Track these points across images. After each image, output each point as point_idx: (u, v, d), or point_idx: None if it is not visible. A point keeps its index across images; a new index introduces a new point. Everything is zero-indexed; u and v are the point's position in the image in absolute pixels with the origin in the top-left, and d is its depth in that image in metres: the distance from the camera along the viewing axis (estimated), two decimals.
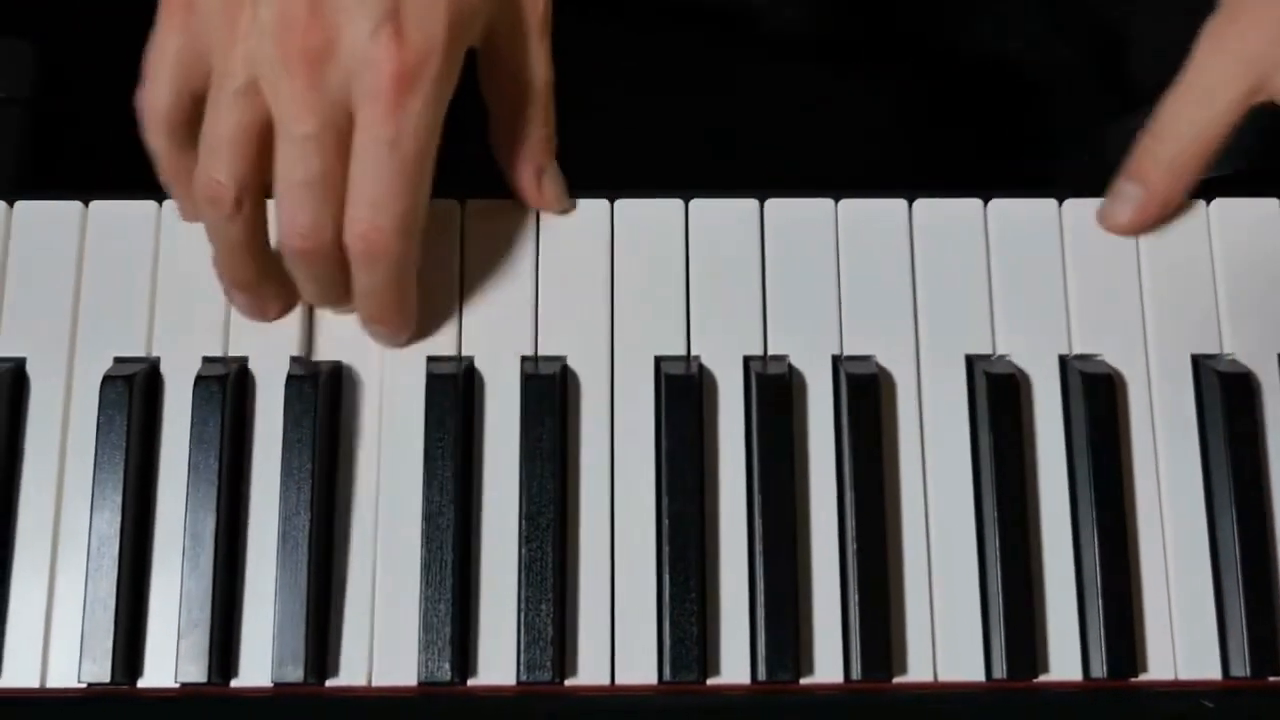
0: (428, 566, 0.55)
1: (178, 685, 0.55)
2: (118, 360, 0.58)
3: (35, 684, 0.56)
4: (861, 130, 0.79)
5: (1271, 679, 0.56)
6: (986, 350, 0.59)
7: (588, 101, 0.63)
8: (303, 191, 0.52)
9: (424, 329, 0.58)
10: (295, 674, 0.54)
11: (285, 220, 0.53)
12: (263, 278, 0.56)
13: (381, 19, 0.51)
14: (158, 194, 0.60)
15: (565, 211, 0.60)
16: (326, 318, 0.59)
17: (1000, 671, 0.55)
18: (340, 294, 0.56)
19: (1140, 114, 0.76)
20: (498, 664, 0.56)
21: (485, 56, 0.56)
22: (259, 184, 0.54)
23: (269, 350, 0.58)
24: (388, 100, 0.51)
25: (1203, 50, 0.58)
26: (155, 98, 0.55)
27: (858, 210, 0.60)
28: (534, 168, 0.58)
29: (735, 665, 0.56)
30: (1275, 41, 0.56)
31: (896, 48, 0.82)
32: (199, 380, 0.57)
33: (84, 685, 0.55)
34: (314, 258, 0.54)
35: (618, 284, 0.59)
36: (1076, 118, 0.84)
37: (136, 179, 0.62)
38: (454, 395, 0.57)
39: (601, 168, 0.60)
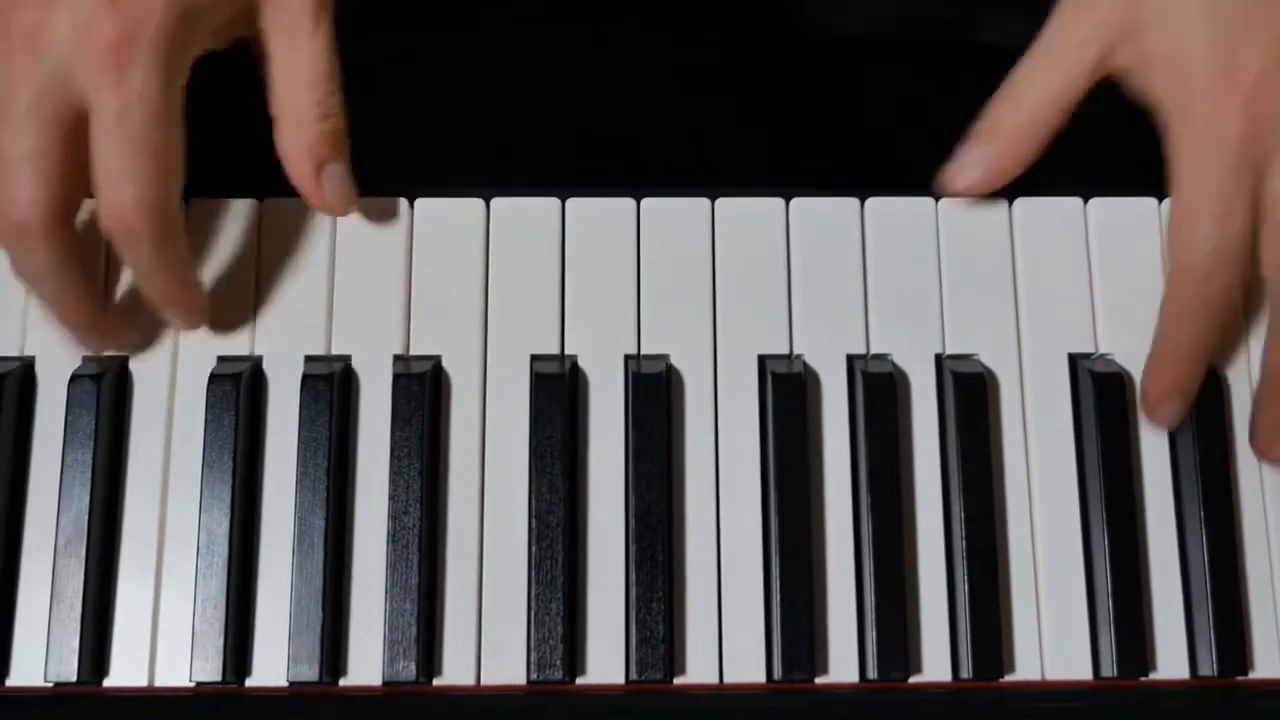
0: (538, 565, 0.55)
1: (287, 684, 0.55)
2: (221, 359, 0.58)
3: (144, 683, 0.55)
4: (883, 130, 0.79)
5: None
6: (1089, 349, 0.59)
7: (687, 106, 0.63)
8: (19, 167, 0.52)
9: (528, 330, 0.59)
10: (407, 672, 0.54)
11: (3, 195, 0.52)
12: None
13: None
14: (257, 191, 0.60)
15: (348, 213, 0.58)
16: (425, 316, 0.59)
17: (1109, 670, 0.56)
18: (70, 284, 0.55)
19: None
20: (606, 663, 0.56)
21: (256, 47, 0.57)
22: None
23: (371, 349, 0.58)
24: (107, 71, 0.51)
25: (1056, 20, 0.58)
26: None
27: (958, 209, 0.60)
28: (312, 163, 0.57)
29: (843, 664, 0.56)
30: (1123, 15, 0.57)
31: (932, 46, 0.82)
32: (306, 379, 0.57)
33: (194, 684, 0.55)
34: (30, 234, 0.53)
35: (719, 282, 0.59)
36: (1117, 115, 0.84)
37: (229, 177, 0.62)
38: (560, 393, 0.57)
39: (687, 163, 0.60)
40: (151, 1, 0.52)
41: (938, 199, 0.60)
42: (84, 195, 0.54)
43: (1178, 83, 0.55)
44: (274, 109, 0.57)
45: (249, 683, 0.55)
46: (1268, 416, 0.57)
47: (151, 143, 0.52)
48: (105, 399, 0.56)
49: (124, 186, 0.52)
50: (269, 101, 0.57)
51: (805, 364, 0.58)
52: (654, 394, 0.57)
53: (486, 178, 0.61)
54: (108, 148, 0.52)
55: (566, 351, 0.59)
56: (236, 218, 0.60)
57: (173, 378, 0.58)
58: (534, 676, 0.55)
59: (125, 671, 0.56)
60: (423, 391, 0.57)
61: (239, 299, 0.59)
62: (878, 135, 0.72)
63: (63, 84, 0.52)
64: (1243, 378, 0.59)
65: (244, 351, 0.58)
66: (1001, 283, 0.59)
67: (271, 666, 0.55)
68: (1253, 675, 0.56)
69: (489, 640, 0.56)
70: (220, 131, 0.75)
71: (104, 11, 0.51)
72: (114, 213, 0.52)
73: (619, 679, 0.55)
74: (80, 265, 0.55)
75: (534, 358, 0.58)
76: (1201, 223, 0.55)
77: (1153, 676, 0.56)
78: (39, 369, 0.58)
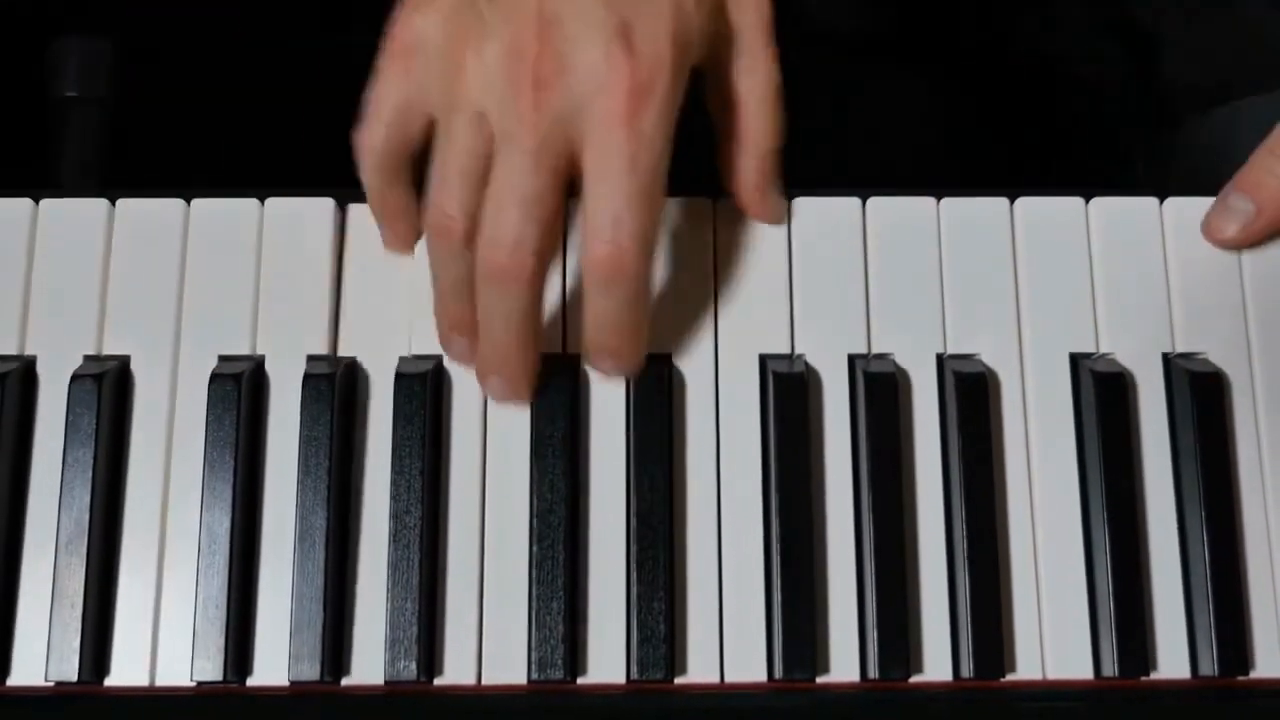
0: (539, 564, 0.55)
1: (288, 683, 0.55)
2: (223, 359, 0.58)
3: (145, 682, 0.55)
4: (894, 129, 0.79)
5: None
6: (1090, 349, 0.59)
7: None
8: (514, 209, 0.52)
9: None
10: (408, 672, 0.54)
11: (489, 235, 0.52)
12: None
13: (611, 38, 0.51)
14: (259, 191, 0.60)
15: (781, 222, 0.59)
16: (427, 315, 0.58)
17: (1110, 670, 0.56)
18: (528, 334, 0.55)
19: (1218, 112, 0.76)
20: (607, 662, 0.56)
21: (710, 68, 0.56)
22: None
23: (373, 348, 0.58)
24: (624, 118, 0.51)
25: None
26: (372, 138, 0.56)
27: (960, 209, 0.60)
28: (766, 180, 0.58)
29: (845, 663, 0.56)
30: None
31: (935, 46, 0.83)
32: (308, 379, 0.57)
33: (194, 684, 0.55)
34: (511, 279, 0.53)
35: (720, 281, 0.59)
36: (1121, 116, 0.84)
37: (217, 176, 0.62)
38: (563, 392, 0.57)
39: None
40: (661, 48, 0.52)
41: (939, 198, 0.60)
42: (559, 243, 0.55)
43: None
44: (727, 128, 0.57)
45: (250, 682, 0.55)
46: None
47: (656, 187, 0.52)
48: (106, 398, 0.56)
49: (626, 229, 0.52)
50: (720, 119, 0.57)
51: (806, 364, 0.58)
52: (656, 393, 0.57)
53: None
54: (614, 191, 0.51)
55: (568, 351, 0.58)
56: (239, 217, 0.60)
57: (174, 377, 0.58)
58: (535, 676, 0.55)
59: (126, 671, 0.56)
60: (424, 391, 0.57)
61: (241, 298, 0.59)
62: (877, 134, 0.72)
63: (566, 129, 0.52)
64: (1243, 377, 0.59)
65: (246, 351, 0.58)
66: (1003, 282, 0.59)
67: (273, 666, 0.55)
68: (1254, 675, 0.56)
69: (490, 640, 0.56)
70: (222, 131, 0.76)
71: (621, 62, 0.51)
72: (611, 254, 0.52)
73: (620, 678, 0.55)
74: (540, 315, 0.55)
75: None
76: None
77: (1154, 676, 0.56)
78: (40, 368, 0.58)
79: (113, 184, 0.68)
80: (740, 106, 0.57)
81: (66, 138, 0.74)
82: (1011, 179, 0.62)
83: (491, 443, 0.57)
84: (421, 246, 0.58)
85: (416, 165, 0.57)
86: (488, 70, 0.52)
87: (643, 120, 0.51)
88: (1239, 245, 0.60)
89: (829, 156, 0.71)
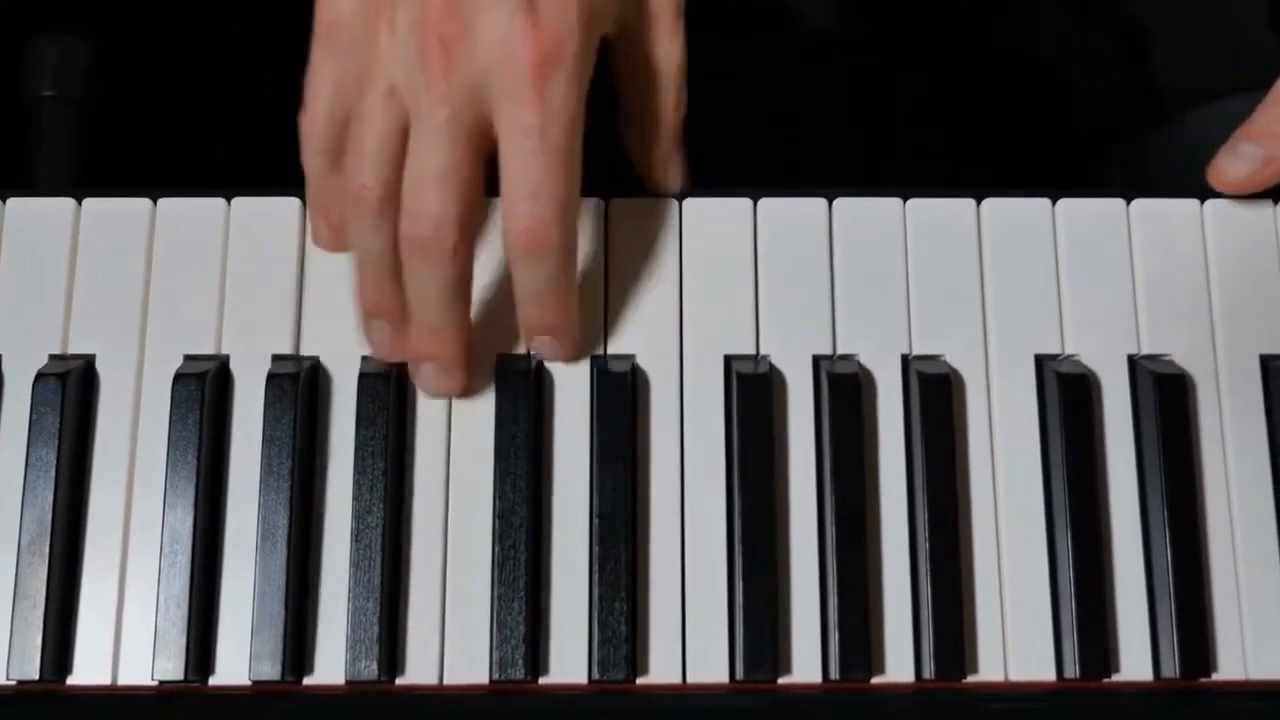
0: (501, 565, 0.55)
1: (250, 683, 0.55)
2: (188, 358, 0.58)
3: (107, 681, 0.56)
4: (882, 129, 0.79)
5: None
6: (1055, 350, 0.59)
7: None
8: (433, 183, 0.52)
9: (495, 330, 0.58)
10: (369, 672, 0.54)
11: (410, 211, 0.53)
12: (401, 305, 0.55)
13: (516, 8, 0.51)
14: (225, 191, 0.60)
15: (680, 190, 0.60)
16: None
17: (1073, 671, 0.56)
18: (458, 311, 0.55)
19: (1200, 112, 0.76)
20: (569, 662, 0.56)
21: (619, 41, 0.57)
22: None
23: (338, 348, 0.58)
24: (530, 87, 0.51)
25: None
26: (310, 118, 0.56)
27: (926, 210, 0.60)
28: (669, 148, 0.59)
29: (807, 664, 0.56)
30: None
31: (920, 46, 0.82)
32: (272, 378, 0.57)
33: (156, 683, 0.55)
34: (435, 252, 0.53)
35: (686, 282, 0.59)
36: (1105, 116, 0.84)
37: (190, 177, 0.62)
38: (526, 392, 0.57)
39: None
40: (568, 18, 0.52)
41: (905, 199, 0.60)
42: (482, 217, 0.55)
43: None
44: (633, 100, 0.58)
45: (212, 681, 0.56)
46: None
47: (570, 156, 0.53)
48: (70, 397, 0.56)
49: (543, 201, 0.52)
50: (627, 91, 0.58)
51: (771, 364, 0.58)
52: (619, 393, 0.57)
53: None
54: (527, 162, 0.52)
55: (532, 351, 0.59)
56: (205, 217, 0.60)
57: (138, 376, 0.58)
58: (496, 676, 0.55)
59: (88, 670, 0.56)
60: (388, 391, 0.57)
61: (206, 297, 0.59)
62: (849, 134, 0.72)
63: (479, 100, 0.52)
64: (1209, 379, 0.59)
65: (211, 350, 0.58)
66: (968, 283, 0.59)
67: (235, 665, 0.55)
68: (1216, 677, 0.56)
69: (452, 640, 0.56)
70: (198, 131, 0.76)
71: (526, 31, 0.51)
72: (530, 226, 0.52)
73: (582, 679, 0.55)
74: (468, 292, 0.55)
75: (500, 356, 0.58)
76: None
77: (1116, 678, 0.56)
78: (4, 367, 0.58)
79: (87, 184, 0.69)
80: (651, 80, 0.58)
81: (41, 137, 0.75)
82: (994, 179, 0.62)
83: (454, 442, 0.58)
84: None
85: None
86: (398, 41, 0.53)
87: (550, 91, 0.52)
88: (1245, 190, 0.60)
89: (816, 156, 0.71)
